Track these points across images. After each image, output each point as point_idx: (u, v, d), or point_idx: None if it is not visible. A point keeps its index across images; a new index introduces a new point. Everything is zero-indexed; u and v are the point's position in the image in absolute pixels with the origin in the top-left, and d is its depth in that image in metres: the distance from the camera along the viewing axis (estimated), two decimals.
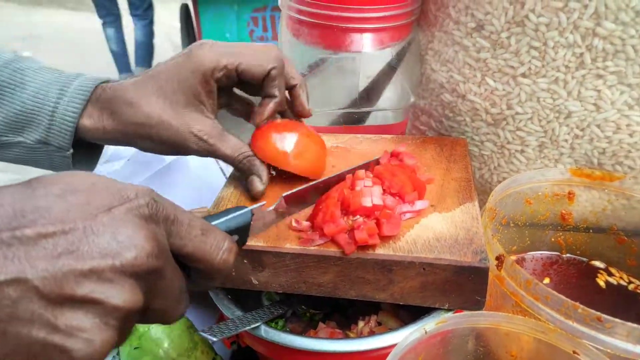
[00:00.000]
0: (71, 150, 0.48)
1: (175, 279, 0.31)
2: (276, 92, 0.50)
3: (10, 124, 0.47)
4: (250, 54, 0.48)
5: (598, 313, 0.40)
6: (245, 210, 0.39)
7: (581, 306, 0.41)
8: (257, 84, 0.50)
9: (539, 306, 0.44)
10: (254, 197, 0.51)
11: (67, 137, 0.47)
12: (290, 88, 0.53)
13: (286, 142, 0.50)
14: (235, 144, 0.50)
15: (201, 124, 0.48)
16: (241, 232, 0.39)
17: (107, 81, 0.50)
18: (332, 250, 0.44)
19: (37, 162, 0.50)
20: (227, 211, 0.38)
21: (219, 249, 0.33)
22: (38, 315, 0.24)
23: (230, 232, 0.37)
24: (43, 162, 0.50)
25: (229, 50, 0.48)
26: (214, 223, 0.36)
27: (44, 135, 0.47)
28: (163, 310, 0.31)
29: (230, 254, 0.34)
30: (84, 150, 0.51)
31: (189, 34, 2.94)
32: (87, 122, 0.48)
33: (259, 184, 0.50)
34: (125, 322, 0.27)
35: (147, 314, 0.30)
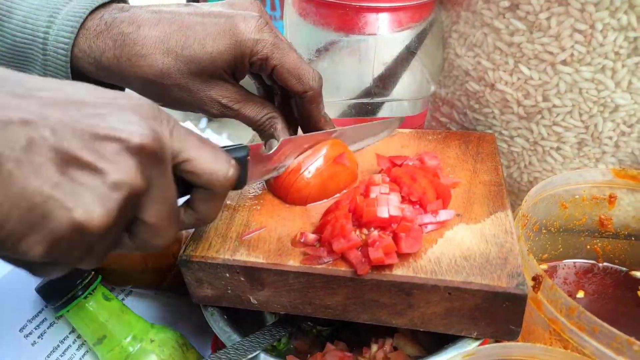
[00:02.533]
0: None
1: (170, 190, 0.30)
2: (317, 116, 0.47)
3: (9, 61, 0.41)
4: (295, 61, 0.43)
5: None
6: (242, 145, 0.38)
7: (638, 342, 0.35)
8: (285, 90, 0.45)
9: (583, 338, 0.37)
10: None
11: (64, 74, 0.40)
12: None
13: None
14: (260, 105, 0.45)
15: (225, 89, 0.43)
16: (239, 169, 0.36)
17: (110, 2, 0.41)
18: (342, 269, 0.38)
19: None
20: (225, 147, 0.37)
21: (218, 157, 0.33)
22: (45, 166, 0.24)
23: None
24: None
25: (275, 41, 0.42)
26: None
27: (42, 72, 0.41)
28: (153, 226, 0.30)
29: (232, 169, 0.33)
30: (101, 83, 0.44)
31: None
32: (82, 60, 0.40)
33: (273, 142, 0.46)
34: (127, 203, 0.27)
35: (136, 227, 0.30)
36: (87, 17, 0.39)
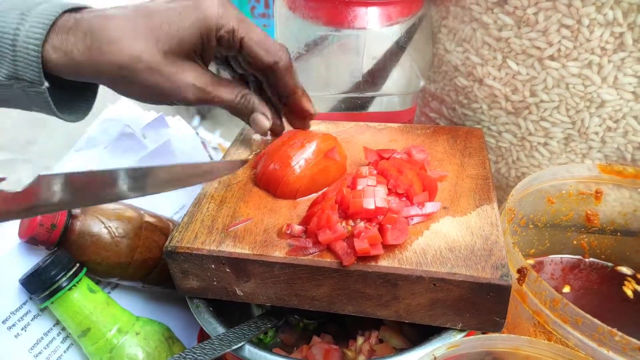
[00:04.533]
0: (45, 84, 0.41)
1: None
2: (295, 86, 0.48)
3: None
4: (260, 34, 0.45)
5: None
6: None
7: (619, 333, 0.35)
8: (254, 68, 0.47)
9: (567, 329, 0.38)
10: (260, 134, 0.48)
11: (35, 69, 0.40)
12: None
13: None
14: (232, 86, 0.46)
15: (197, 72, 0.44)
16: None
17: (80, 8, 0.42)
18: (327, 260, 0.38)
19: (16, 101, 0.43)
20: None
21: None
22: None
23: None
24: (22, 100, 0.43)
25: (240, 16, 0.44)
26: None
27: (12, 69, 0.40)
28: None
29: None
30: (73, 86, 0.44)
31: None
32: (53, 55, 0.40)
33: (264, 120, 0.48)
34: None
35: None
36: (57, 17, 0.40)
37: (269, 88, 0.49)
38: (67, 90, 0.44)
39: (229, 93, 0.46)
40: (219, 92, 0.45)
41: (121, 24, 0.41)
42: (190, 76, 0.43)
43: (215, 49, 0.44)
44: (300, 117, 0.51)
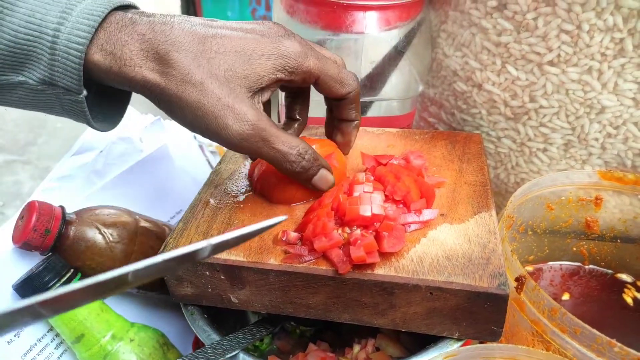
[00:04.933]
0: (84, 93, 0.37)
1: None
2: (357, 117, 0.47)
3: (5, 59, 0.36)
4: (336, 68, 0.42)
5: (639, 354, 0.34)
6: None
7: (618, 344, 0.34)
8: (328, 98, 0.46)
9: (565, 339, 0.37)
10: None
11: (75, 76, 0.36)
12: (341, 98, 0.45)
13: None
14: (291, 137, 0.41)
15: (252, 105, 0.39)
16: None
17: (129, 6, 0.38)
18: (323, 268, 0.37)
19: (47, 106, 0.39)
20: None
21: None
22: None
23: None
24: (54, 105, 0.38)
25: (317, 54, 0.41)
26: None
27: (47, 74, 0.36)
28: None
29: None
30: (108, 93, 0.40)
31: (189, 12, 2.86)
32: (96, 55, 0.36)
33: (329, 176, 0.43)
34: None
35: None
36: (107, 15, 0.36)
37: (331, 109, 0.48)
38: (102, 98, 0.41)
39: (283, 139, 0.39)
40: (273, 133, 0.39)
41: (184, 42, 0.36)
42: (245, 105, 0.38)
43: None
44: (342, 145, 0.48)
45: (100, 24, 0.36)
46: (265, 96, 0.40)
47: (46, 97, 0.37)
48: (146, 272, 0.22)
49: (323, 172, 0.42)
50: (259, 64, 0.38)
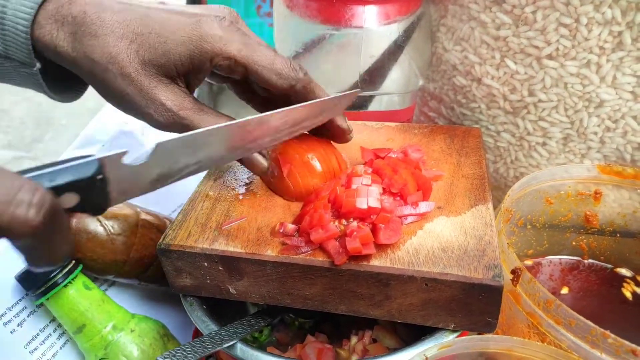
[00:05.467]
0: (37, 66, 0.38)
1: None
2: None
3: None
4: (268, 56, 0.39)
5: (633, 345, 0.34)
6: (91, 159, 0.28)
7: (612, 335, 0.35)
8: (274, 93, 0.42)
9: (560, 331, 0.37)
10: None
11: (25, 49, 0.37)
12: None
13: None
14: (216, 116, 0.40)
15: (174, 93, 0.39)
16: (87, 191, 0.28)
17: None
18: (319, 259, 0.38)
19: (9, 78, 0.41)
20: (68, 160, 0.27)
21: (7, 195, 0.23)
22: None
23: (62, 189, 0.27)
24: (15, 77, 0.40)
25: (243, 40, 0.39)
26: (32, 174, 0.26)
27: (2, 48, 0.37)
28: None
29: (21, 206, 0.24)
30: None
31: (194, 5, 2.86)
32: (43, 37, 0.37)
33: (262, 160, 0.41)
34: None
35: None
36: None
37: None
38: (62, 71, 0.41)
39: (209, 123, 0.39)
40: (195, 120, 0.39)
41: (110, 21, 0.37)
42: (164, 95, 0.38)
43: (214, 74, 0.41)
44: (337, 136, 0.46)
45: (42, 4, 0.37)
46: (197, 79, 0.40)
47: (5, 69, 0.39)
48: None
49: (255, 155, 0.41)
50: (174, 50, 0.38)
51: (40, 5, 0.37)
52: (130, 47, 0.38)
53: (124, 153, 0.30)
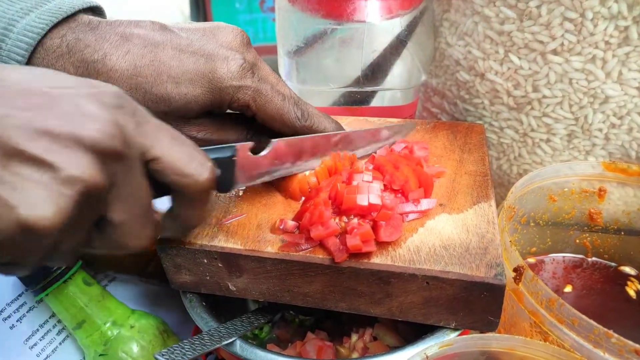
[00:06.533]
0: None
1: (140, 189, 0.28)
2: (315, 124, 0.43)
3: None
4: (276, 106, 0.40)
5: (637, 345, 0.33)
6: (228, 145, 0.36)
7: (615, 335, 0.34)
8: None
9: (563, 330, 0.37)
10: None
11: None
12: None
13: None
14: (239, 127, 0.42)
15: (199, 125, 0.40)
16: (224, 169, 0.35)
17: (75, 14, 0.36)
18: (319, 257, 0.37)
19: None
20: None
21: (193, 158, 0.30)
22: None
23: None
24: None
25: (257, 86, 0.39)
26: None
27: None
28: (124, 225, 0.27)
29: (207, 171, 0.30)
30: None
31: (198, 3, 2.85)
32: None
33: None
34: (85, 201, 0.24)
35: (105, 227, 0.27)
36: (47, 34, 0.35)
37: None
38: None
39: (236, 134, 0.42)
40: (225, 136, 0.41)
41: (119, 71, 0.35)
42: (191, 130, 0.39)
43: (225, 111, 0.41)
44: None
45: (39, 46, 0.34)
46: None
47: None
48: None
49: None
50: (194, 102, 0.37)
51: (37, 46, 0.34)
52: (146, 100, 0.36)
53: (251, 144, 0.37)
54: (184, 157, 0.29)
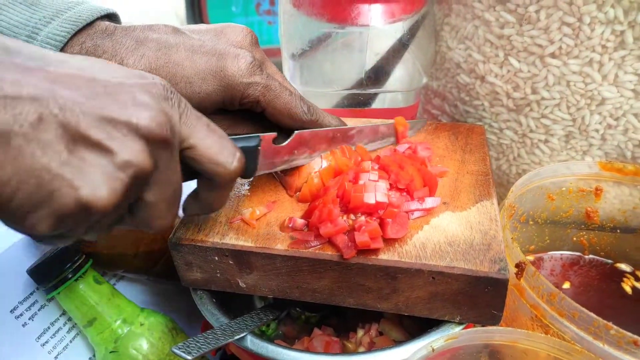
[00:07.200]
0: None
1: (175, 173, 0.30)
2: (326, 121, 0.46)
3: None
4: (285, 101, 0.41)
5: (635, 336, 0.35)
6: (253, 135, 0.38)
7: (615, 327, 0.35)
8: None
9: (563, 323, 0.38)
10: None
11: None
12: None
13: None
14: (251, 123, 0.43)
15: (214, 121, 0.41)
16: (248, 157, 0.37)
17: (94, 22, 0.37)
18: (328, 253, 0.39)
19: None
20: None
21: (224, 147, 0.32)
22: (54, 143, 0.24)
23: None
24: None
25: (267, 82, 0.40)
26: None
27: None
28: (155, 205, 0.29)
29: (236, 160, 0.32)
30: None
31: (194, 6, 2.85)
32: None
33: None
34: (133, 183, 0.27)
35: (138, 206, 0.29)
36: (68, 42, 0.36)
37: None
38: None
39: (249, 129, 0.44)
40: (238, 131, 0.43)
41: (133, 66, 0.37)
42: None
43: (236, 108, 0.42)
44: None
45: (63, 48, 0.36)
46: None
47: None
48: None
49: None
50: (207, 99, 0.39)
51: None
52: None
53: (274, 135, 0.40)
54: (217, 146, 0.31)
